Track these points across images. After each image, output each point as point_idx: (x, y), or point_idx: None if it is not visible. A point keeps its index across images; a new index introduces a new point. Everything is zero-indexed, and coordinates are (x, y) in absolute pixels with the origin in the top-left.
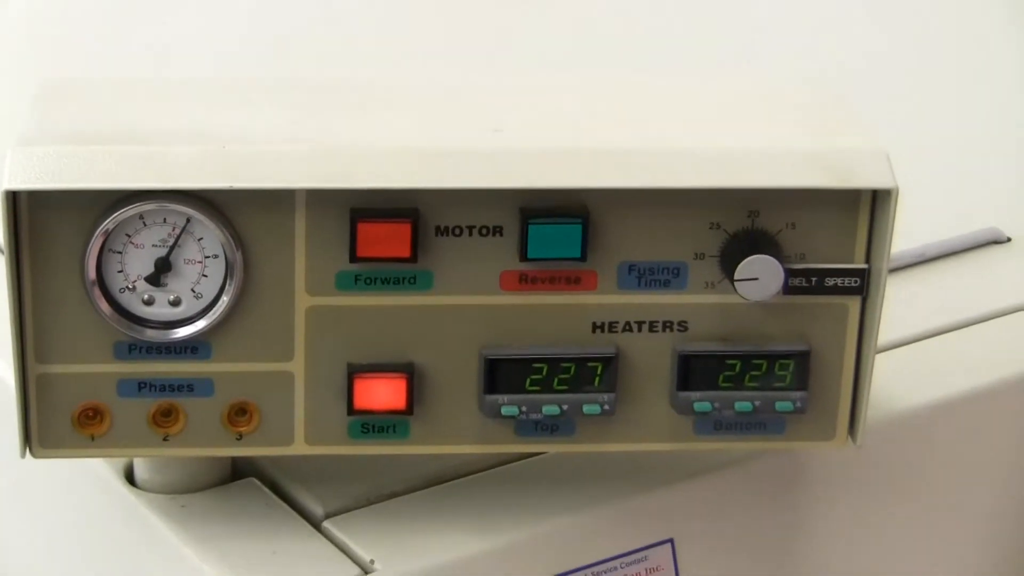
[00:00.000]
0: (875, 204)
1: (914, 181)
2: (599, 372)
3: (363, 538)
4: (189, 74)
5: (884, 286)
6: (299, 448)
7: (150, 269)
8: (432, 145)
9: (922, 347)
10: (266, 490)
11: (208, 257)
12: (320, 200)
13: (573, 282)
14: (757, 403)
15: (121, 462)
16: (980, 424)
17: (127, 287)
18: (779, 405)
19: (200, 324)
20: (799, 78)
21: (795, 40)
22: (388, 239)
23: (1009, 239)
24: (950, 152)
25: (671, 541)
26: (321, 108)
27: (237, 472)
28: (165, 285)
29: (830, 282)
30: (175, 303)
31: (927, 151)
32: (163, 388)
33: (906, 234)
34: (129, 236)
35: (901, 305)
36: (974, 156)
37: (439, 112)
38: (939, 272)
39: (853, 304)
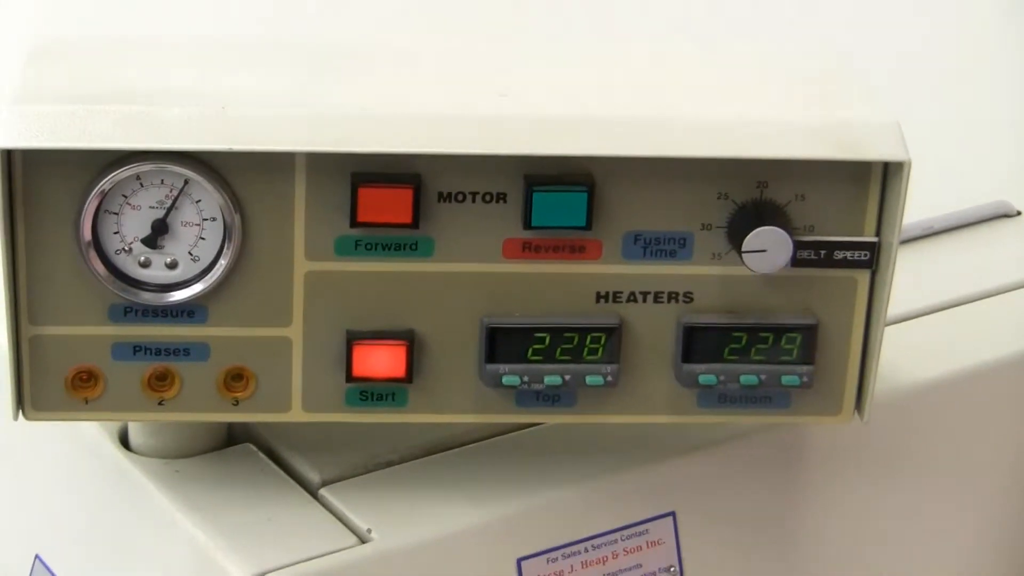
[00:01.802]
0: (886, 177)
1: (922, 153)
2: (602, 342)
3: (360, 507)
4: (187, 32)
5: (894, 260)
6: (296, 415)
7: (147, 231)
8: (435, 110)
9: (929, 321)
10: (262, 456)
11: (206, 220)
12: (320, 164)
13: (577, 251)
14: (763, 376)
15: (115, 426)
16: (988, 399)
17: (123, 249)
18: (785, 379)
19: (197, 287)
20: (810, 47)
21: (801, 15)
22: (389, 204)
23: (1019, 212)
24: (959, 124)
25: (673, 514)
26: (323, 70)
27: (233, 438)
28: (162, 247)
29: (839, 255)
30: (172, 266)
31: (935, 123)
32: (158, 352)
33: (914, 207)
34: (126, 197)
35: (908, 279)
36: (983, 129)
37: (443, 76)
38: (947, 246)
39: (862, 278)
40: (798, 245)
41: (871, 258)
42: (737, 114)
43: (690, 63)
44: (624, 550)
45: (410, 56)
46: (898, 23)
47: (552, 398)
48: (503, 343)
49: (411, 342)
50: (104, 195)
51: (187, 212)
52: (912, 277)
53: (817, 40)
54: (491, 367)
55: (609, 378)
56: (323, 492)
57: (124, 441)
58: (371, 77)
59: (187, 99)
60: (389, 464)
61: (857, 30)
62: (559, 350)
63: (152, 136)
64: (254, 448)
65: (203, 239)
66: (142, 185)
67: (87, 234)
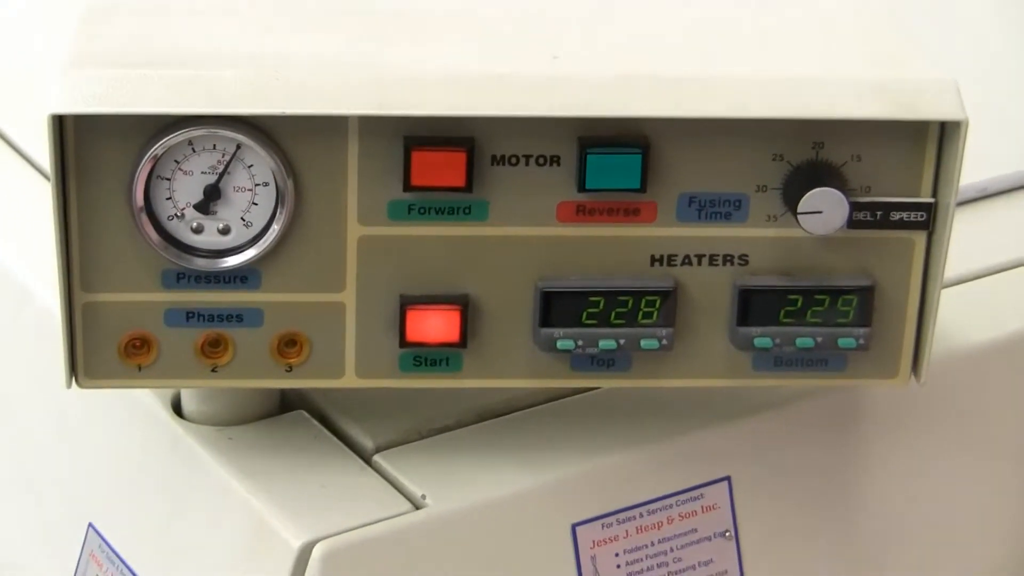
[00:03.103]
0: (943, 136)
1: (975, 112)
2: (657, 306)
3: (414, 473)
4: None
5: (951, 221)
6: (349, 381)
7: (199, 196)
8: (488, 72)
9: (986, 283)
10: (315, 423)
11: (258, 185)
12: (373, 127)
13: (631, 213)
14: (819, 339)
15: (168, 393)
16: None
17: (176, 214)
18: (841, 341)
19: (250, 253)
20: (865, 6)
21: None
22: (442, 168)
23: None
24: (1012, 82)
25: (728, 479)
26: (374, 33)
27: (286, 404)
28: (214, 213)
29: (895, 216)
30: (224, 231)
31: (987, 81)
32: (211, 318)
33: (967, 168)
34: (178, 162)
35: (964, 241)
36: None
37: (495, 38)
38: (1002, 207)
39: (919, 239)
40: (854, 206)
41: (928, 219)
42: (792, 74)
43: (742, 21)
44: (679, 515)
45: (461, 18)
46: None
47: (607, 362)
48: (557, 307)
49: (465, 306)
50: (156, 160)
51: (239, 177)
52: (968, 239)
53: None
54: (545, 331)
55: (664, 342)
56: (377, 458)
57: (177, 408)
58: (423, 39)
59: (238, 63)
60: (443, 430)
61: None
62: (614, 314)
63: (204, 100)
64: (307, 415)
65: (256, 204)
66: (194, 150)
67: (139, 200)
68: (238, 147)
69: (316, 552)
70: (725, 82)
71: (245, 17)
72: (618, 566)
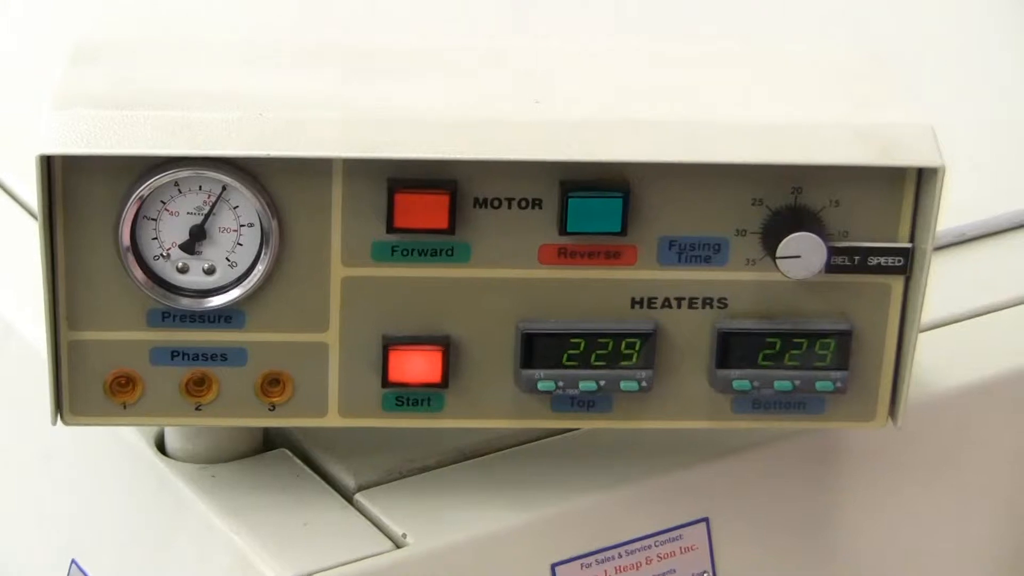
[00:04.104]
0: (920, 182)
1: (955, 158)
2: (637, 348)
3: (395, 512)
4: (224, 36)
5: (928, 266)
6: (332, 420)
7: (185, 237)
8: (472, 115)
9: (963, 327)
10: (298, 461)
11: (243, 225)
12: (357, 169)
13: (612, 256)
14: (797, 382)
15: (152, 431)
16: (1021, 406)
17: (161, 254)
18: (819, 384)
19: (234, 293)
20: (844, 49)
21: (835, 14)
22: (426, 210)
23: None
24: (992, 128)
25: (707, 520)
26: (359, 75)
27: (269, 443)
28: (200, 253)
29: (873, 261)
30: (209, 271)
31: (968, 127)
32: (196, 357)
33: (946, 213)
34: (164, 203)
35: (942, 285)
36: (1017, 132)
37: (479, 82)
38: (980, 252)
39: (896, 283)
40: (832, 251)
41: (905, 264)
42: (772, 118)
43: (722, 65)
44: (658, 555)
45: (445, 61)
46: (929, 21)
47: (587, 403)
48: (539, 348)
49: (447, 347)
50: (143, 201)
51: (225, 218)
52: (945, 283)
53: (848, 40)
54: (527, 372)
55: (644, 383)
56: (358, 497)
57: (161, 446)
58: (407, 82)
59: (225, 104)
60: (424, 469)
61: (889, 28)
62: (594, 355)
63: (190, 142)
64: (290, 453)
65: (241, 245)
66: (180, 191)
67: (126, 240)
68: (224, 188)
69: None
70: (705, 127)
71: (231, 57)
72: None
